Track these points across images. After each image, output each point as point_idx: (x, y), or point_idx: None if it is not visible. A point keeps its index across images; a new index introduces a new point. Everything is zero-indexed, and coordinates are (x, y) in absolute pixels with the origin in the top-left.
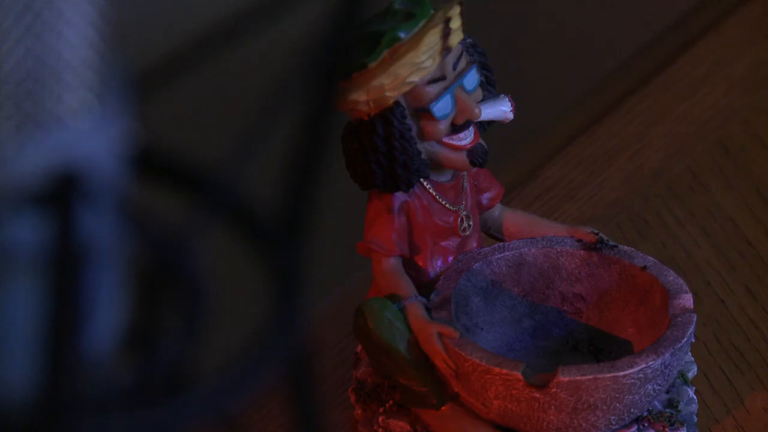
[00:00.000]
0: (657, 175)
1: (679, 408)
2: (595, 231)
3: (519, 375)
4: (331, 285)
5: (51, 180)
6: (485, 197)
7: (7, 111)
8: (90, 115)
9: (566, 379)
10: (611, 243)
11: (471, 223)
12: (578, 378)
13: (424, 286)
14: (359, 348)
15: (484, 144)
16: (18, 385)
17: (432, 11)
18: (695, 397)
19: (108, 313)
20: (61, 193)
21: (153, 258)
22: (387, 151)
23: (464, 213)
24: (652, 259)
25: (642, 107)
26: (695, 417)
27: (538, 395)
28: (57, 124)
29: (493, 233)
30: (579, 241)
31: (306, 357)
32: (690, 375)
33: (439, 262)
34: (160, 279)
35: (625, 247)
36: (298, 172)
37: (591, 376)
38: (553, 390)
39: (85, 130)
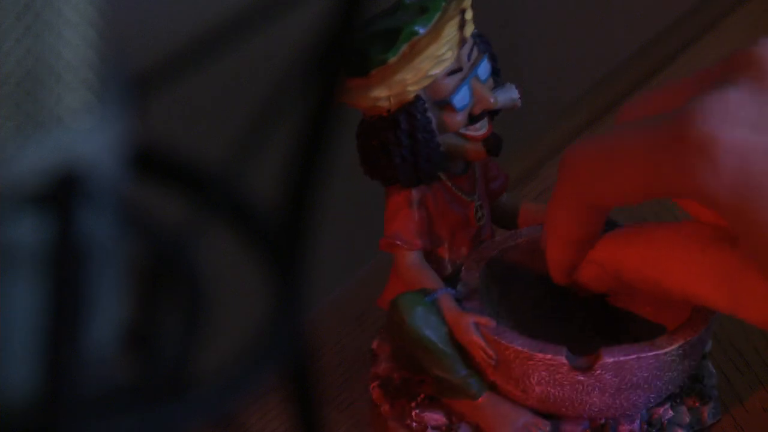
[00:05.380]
0: None
1: (704, 382)
2: None
3: (563, 359)
4: (331, 285)
5: (51, 180)
6: (494, 186)
7: (7, 111)
8: (90, 115)
9: (611, 360)
10: (620, 224)
11: (484, 212)
12: (622, 358)
13: (445, 277)
14: (375, 344)
15: (497, 133)
16: (18, 385)
17: (444, 3)
18: (714, 371)
19: (108, 313)
20: (61, 193)
21: (153, 258)
22: (411, 144)
23: (478, 203)
24: None
25: None
26: (715, 391)
27: (582, 378)
28: (57, 124)
29: (501, 222)
30: None
31: (306, 357)
32: (707, 349)
33: (458, 253)
34: (159, 279)
35: None
36: (298, 172)
37: (634, 356)
38: (598, 372)
39: (85, 130)
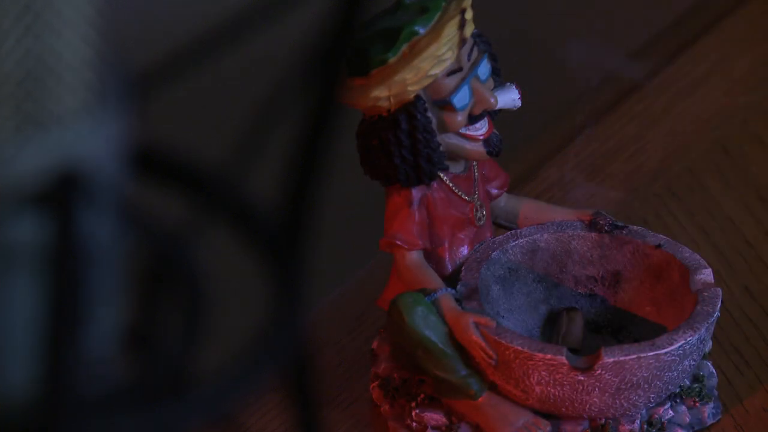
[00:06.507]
0: (656, 175)
1: (704, 383)
2: (602, 212)
3: (563, 359)
4: (330, 285)
5: (51, 180)
6: (493, 186)
7: (7, 111)
8: (90, 115)
9: (611, 360)
10: (620, 223)
11: (484, 212)
12: (622, 358)
13: (445, 277)
14: (375, 344)
15: (498, 133)
16: (18, 385)
17: (444, 3)
18: (715, 371)
19: (108, 312)
20: (61, 193)
21: (153, 258)
22: (411, 144)
23: (478, 203)
24: (664, 237)
25: (641, 107)
26: (716, 391)
27: (582, 378)
28: (57, 124)
29: (500, 222)
30: (588, 224)
31: (306, 357)
32: (707, 349)
33: (458, 253)
34: (160, 279)
35: (635, 226)
36: (298, 173)
37: (634, 356)
38: (598, 372)
39: (85, 130)
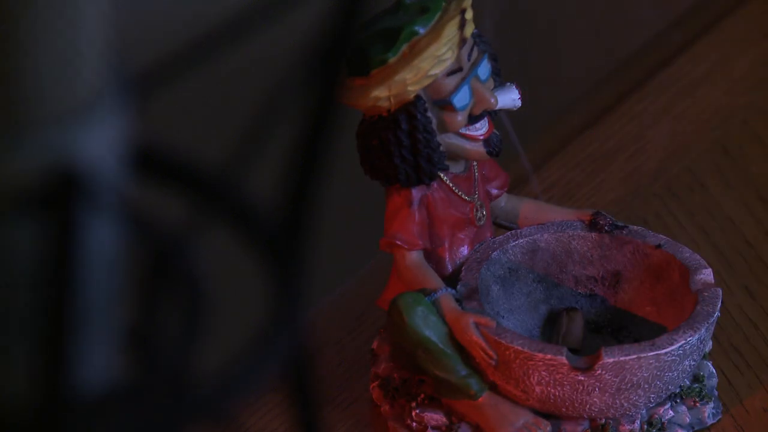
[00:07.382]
0: (656, 175)
1: (704, 383)
2: (602, 212)
3: (563, 359)
4: (330, 285)
5: (50, 180)
6: (493, 186)
7: (6, 110)
8: (90, 115)
9: (611, 360)
10: (620, 223)
11: (484, 212)
12: (622, 358)
13: (445, 277)
14: (375, 344)
15: (498, 133)
16: (18, 386)
17: (444, 3)
18: (715, 371)
19: (108, 313)
20: (61, 194)
21: (153, 258)
22: (411, 144)
23: (478, 203)
24: (664, 237)
25: (641, 107)
26: (716, 391)
27: (582, 378)
28: (57, 124)
29: (501, 222)
30: (588, 224)
31: (306, 357)
32: (707, 349)
33: (458, 253)
34: (160, 279)
35: (635, 226)
36: (298, 172)
37: (635, 356)
38: (598, 372)
39: (85, 130)
